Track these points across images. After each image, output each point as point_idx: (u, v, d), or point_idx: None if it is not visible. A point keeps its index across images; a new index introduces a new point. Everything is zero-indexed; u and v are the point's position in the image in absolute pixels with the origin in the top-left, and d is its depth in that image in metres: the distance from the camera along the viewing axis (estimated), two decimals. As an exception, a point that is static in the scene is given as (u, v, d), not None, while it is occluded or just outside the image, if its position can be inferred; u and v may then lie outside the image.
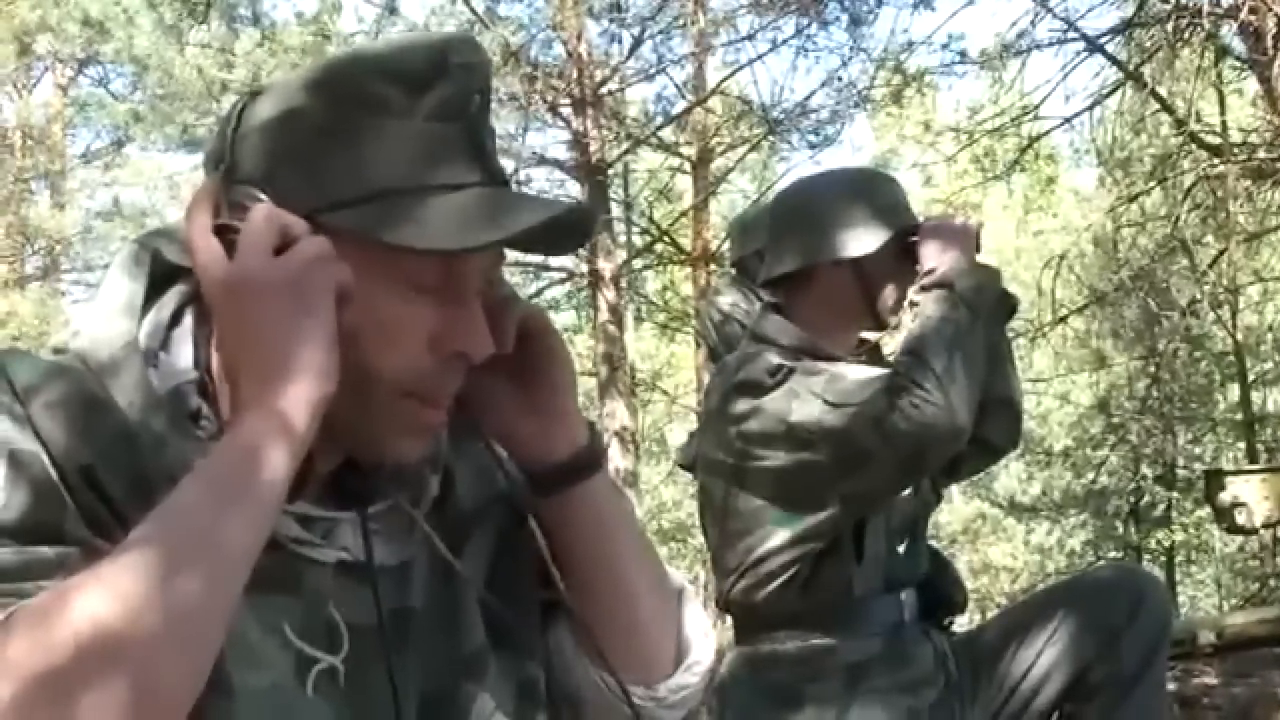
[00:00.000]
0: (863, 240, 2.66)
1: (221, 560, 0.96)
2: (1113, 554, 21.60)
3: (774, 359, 2.58)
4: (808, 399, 2.50)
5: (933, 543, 2.91)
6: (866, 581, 2.61)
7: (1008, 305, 2.77)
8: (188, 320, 1.16)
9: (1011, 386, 2.78)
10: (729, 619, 2.83)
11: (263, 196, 1.10)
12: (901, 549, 2.71)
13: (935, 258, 2.58)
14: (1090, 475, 20.37)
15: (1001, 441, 2.81)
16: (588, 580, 1.27)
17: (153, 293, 1.16)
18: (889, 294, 2.72)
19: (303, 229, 1.08)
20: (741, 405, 2.59)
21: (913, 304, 2.62)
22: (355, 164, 1.09)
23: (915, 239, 2.66)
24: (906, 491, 2.66)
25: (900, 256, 2.68)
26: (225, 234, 1.09)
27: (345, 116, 1.10)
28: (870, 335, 2.80)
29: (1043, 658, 2.62)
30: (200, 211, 1.12)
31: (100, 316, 1.13)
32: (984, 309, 2.55)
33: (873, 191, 2.74)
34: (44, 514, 1.00)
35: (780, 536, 2.58)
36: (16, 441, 1.01)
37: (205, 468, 1.00)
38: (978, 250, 2.64)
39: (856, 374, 2.55)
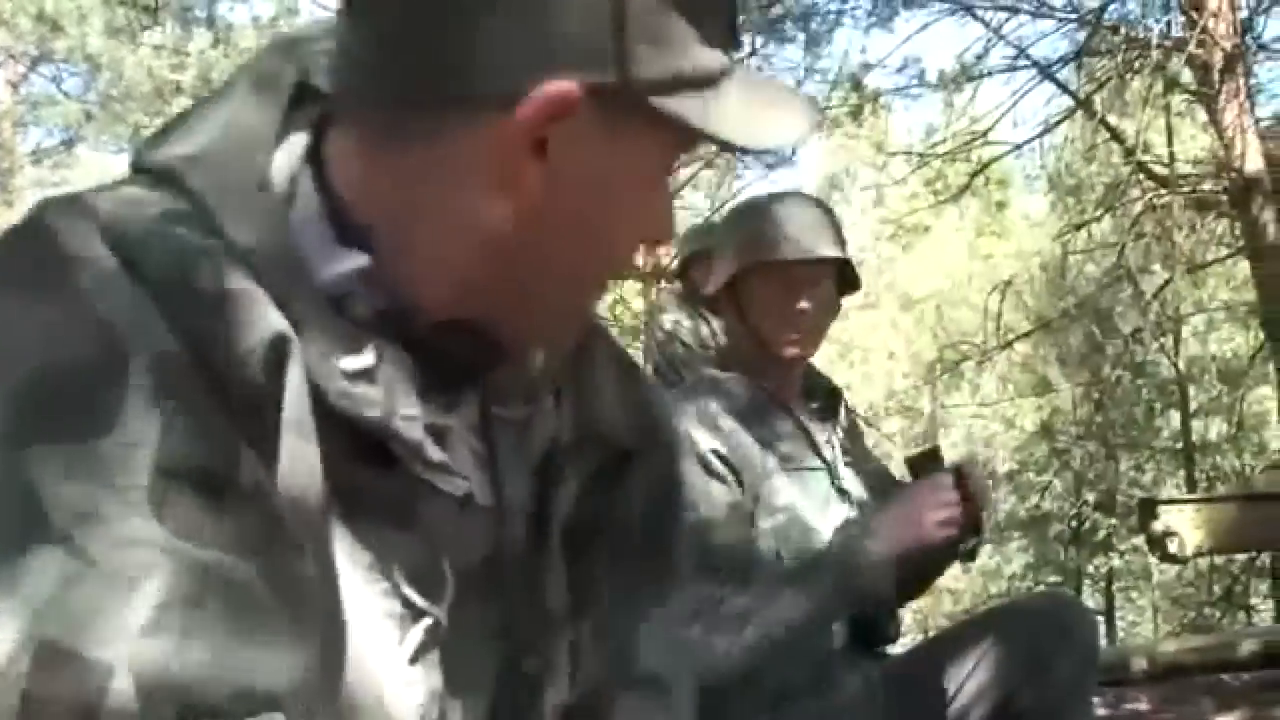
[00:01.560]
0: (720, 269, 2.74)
1: None
2: (1053, 578, 21.72)
3: (690, 416, 2.61)
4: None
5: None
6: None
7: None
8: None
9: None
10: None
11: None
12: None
13: (886, 531, 2.53)
14: (1033, 499, 20.50)
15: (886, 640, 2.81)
16: None
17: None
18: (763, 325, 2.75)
19: None
20: None
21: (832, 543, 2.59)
22: (679, 37, 0.92)
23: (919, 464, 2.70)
24: (831, 518, 2.67)
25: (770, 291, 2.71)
26: None
27: None
28: (790, 351, 2.79)
29: (969, 684, 2.61)
30: None
31: (228, 155, 0.92)
32: (864, 605, 2.55)
33: (801, 212, 2.78)
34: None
35: None
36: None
37: None
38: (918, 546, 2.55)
39: (720, 498, 2.55)
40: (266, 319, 0.85)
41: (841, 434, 2.83)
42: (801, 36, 13.50)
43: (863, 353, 28.21)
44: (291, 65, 0.98)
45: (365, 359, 0.91)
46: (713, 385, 2.73)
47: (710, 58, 0.94)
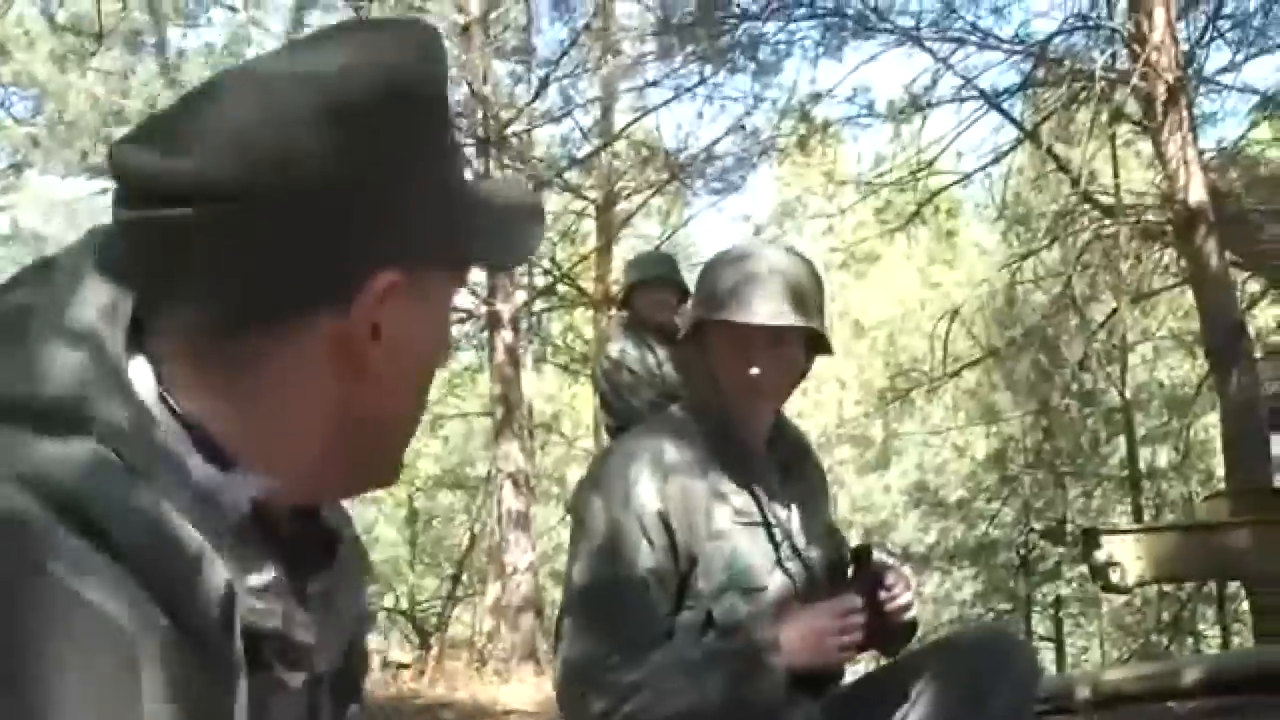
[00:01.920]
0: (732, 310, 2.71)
1: None
2: (1003, 605, 21.81)
3: (623, 474, 2.61)
4: (588, 535, 2.60)
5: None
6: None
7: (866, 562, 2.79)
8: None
9: None
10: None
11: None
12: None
13: (790, 646, 2.54)
14: (983, 527, 20.58)
15: None
16: None
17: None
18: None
19: None
20: (580, 490, 2.67)
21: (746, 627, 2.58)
22: (468, 205, 1.06)
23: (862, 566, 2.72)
24: (779, 575, 2.65)
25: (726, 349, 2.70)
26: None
27: (446, 147, 1.04)
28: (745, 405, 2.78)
29: (909, 718, 2.61)
30: None
31: (108, 391, 0.91)
32: (760, 694, 2.52)
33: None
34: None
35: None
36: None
37: None
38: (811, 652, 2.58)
39: (635, 563, 2.56)
40: (216, 571, 0.88)
41: (804, 491, 2.82)
42: (751, 66, 13.55)
43: (814, 380, 28.33)
44: (127, 295, 0.95)
45: (267, 575, 0.96)
46: (678, 427, 2.71)
47: (467, 185, 1.07)
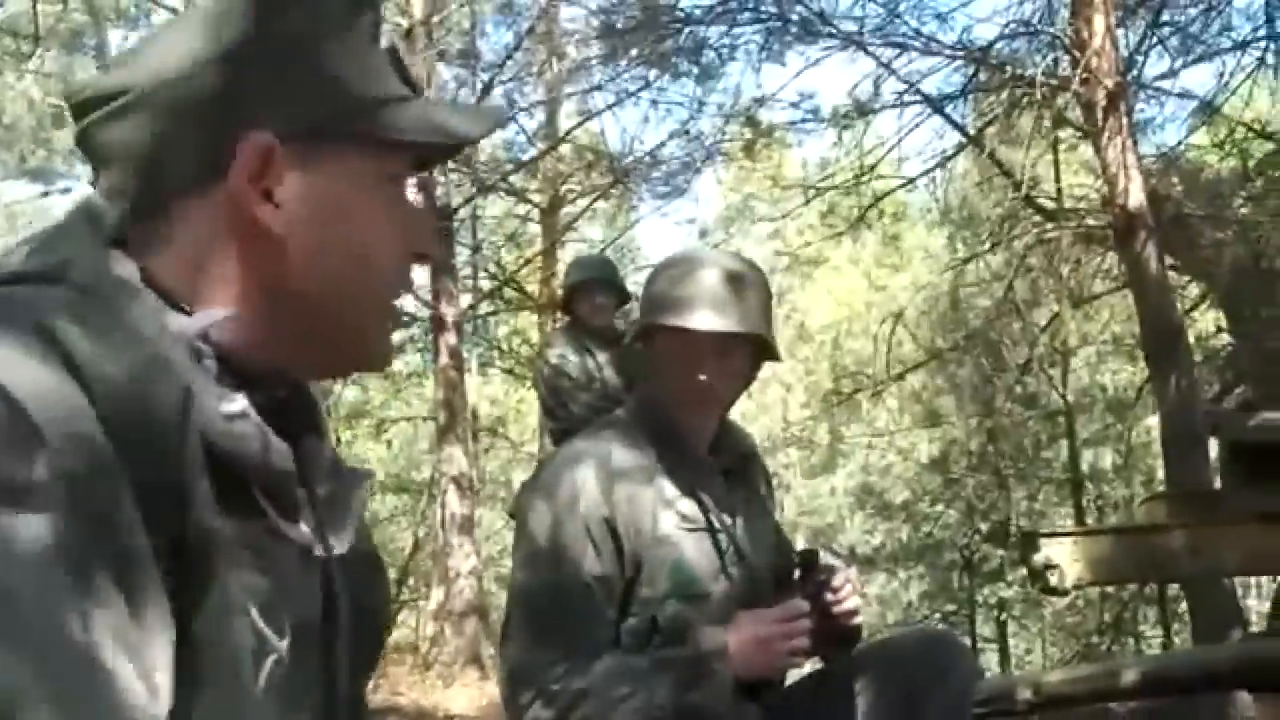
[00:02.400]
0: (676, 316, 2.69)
1: None
2: (948, 607, 21.94)
3: (569, 478, 2.59)
4: (531, 539, 2.60)
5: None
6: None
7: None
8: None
9: None
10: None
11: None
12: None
13: (741, 646, 2.54)
14: (928, 529, 20.69)
15: None
16: None
17: None
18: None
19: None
20: (525, 494, 2.65)
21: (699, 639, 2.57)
22: (353, 77, 1.13)
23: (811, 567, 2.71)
24: (723, 581, 2.64)
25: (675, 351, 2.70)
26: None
27: (333, 34, 1.13)
28: (690, 413, 2.78)
29: (849, 720, 2.62)
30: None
31: (95, 262, 1.04)
32: (710, 697, 2.52)
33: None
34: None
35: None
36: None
37: None
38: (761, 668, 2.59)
39: (580, 570, 2.56)
40: (171, 378, 0.95)
41: (750, 497, 2.82)
42: (695, 70, 13.56)
43: (760, 383, 28.35)
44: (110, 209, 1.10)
45: (239, 404, 1.03)
46: (623, 432, 2.70)
47: (395, 85, 1.16)
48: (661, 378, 2.72)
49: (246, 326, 1.08)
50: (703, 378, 2.63)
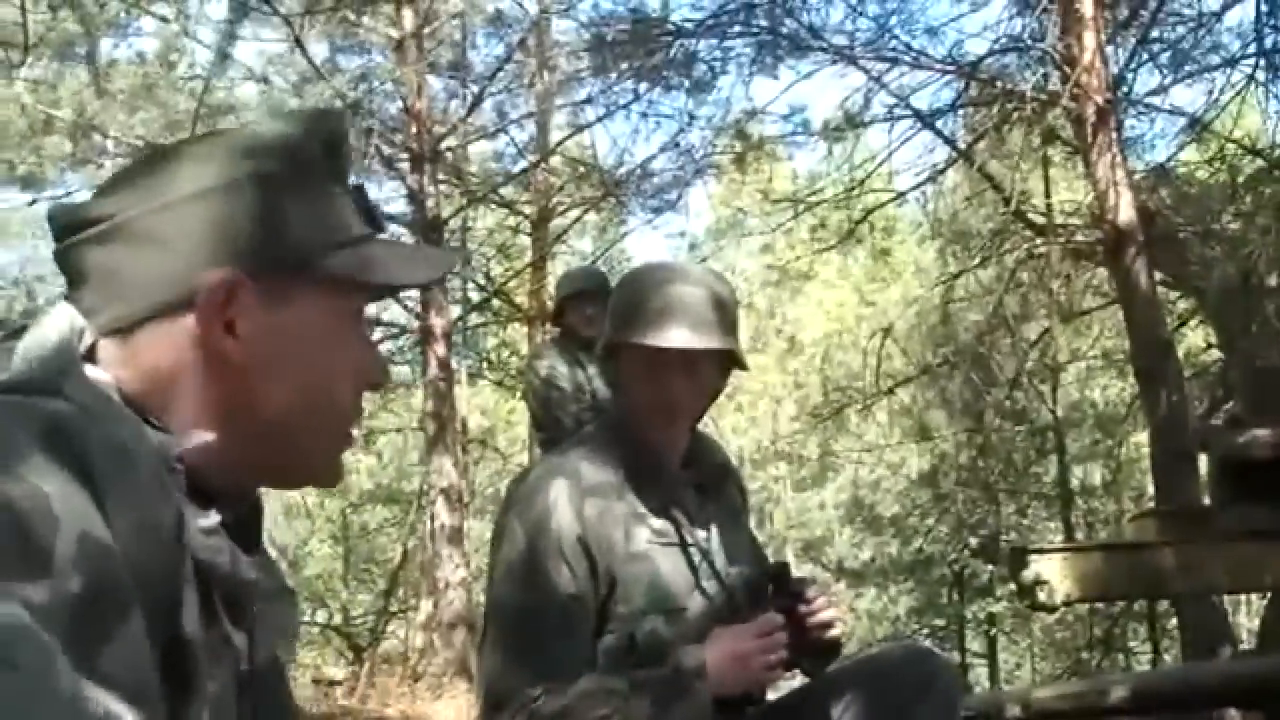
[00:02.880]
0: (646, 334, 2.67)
1: None
2: (937, 621, 21.95)
3: (541, 497, 2.57)
4: (507, 558, 2.58)
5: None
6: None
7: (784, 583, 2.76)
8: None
9: None
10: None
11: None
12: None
13: (718, 663, 2.53)
14: (917, 543, 20.69)
15: None
16: None
17: None
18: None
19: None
20: (503, 510, 2.65)
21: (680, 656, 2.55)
22: (318, 221, 1.21)
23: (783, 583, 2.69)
24: (698, 596, 2.63)
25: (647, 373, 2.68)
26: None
27: (307, 183, 1.21)
28: (657, 429, 2.77)
29: (833, 737, 2.60)
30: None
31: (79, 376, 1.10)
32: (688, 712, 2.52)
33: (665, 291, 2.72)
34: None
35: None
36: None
37: None
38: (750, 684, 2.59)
39: (554, 590, 2.54)
40: (172, 492, 1.03)
41: (724, 510, 2.80)
42: (685, 83, 13.55)
43: (750, 396, 28.39)
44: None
45: (214, 519, 1.09)
46: (595, 447, 2.68)
47: (356, 226, 1.24)
48: (629, 393, 2.71)
49: (210, 445, 1.14)
50: (669, 393, 2.63)
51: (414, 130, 13.32)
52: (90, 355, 1.13)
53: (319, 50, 14.07)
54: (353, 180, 1.29)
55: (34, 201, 16.44)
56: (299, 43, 13.18)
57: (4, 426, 0.94)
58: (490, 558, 2.69)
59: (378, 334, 15.24)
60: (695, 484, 2.74)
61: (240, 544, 1.14)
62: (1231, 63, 11.47)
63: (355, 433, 1.31)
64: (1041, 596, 5.65)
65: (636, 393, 2.68)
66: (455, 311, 14.96)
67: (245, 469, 1.19)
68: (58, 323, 1.13)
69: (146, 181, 1.17)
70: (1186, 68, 11.73)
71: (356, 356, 1.25)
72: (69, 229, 1.17)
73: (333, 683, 11.52)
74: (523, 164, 15.84)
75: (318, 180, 1.22)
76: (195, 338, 1.14)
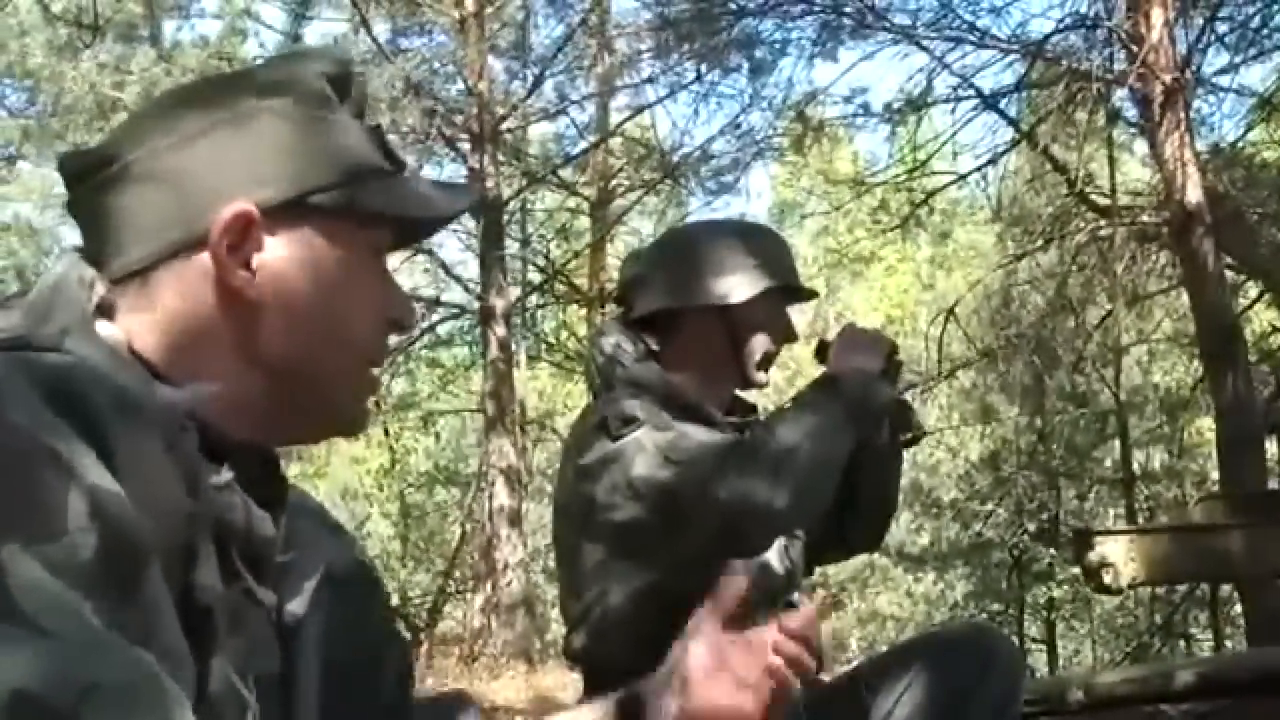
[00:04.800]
0: (733, 289, 2.62)
1: None
2: (995, 606, 21.79)
3: (629, 408, 2.52)
4: (650, 453, 2.45)
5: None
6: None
7: (906, 423, 2.75)
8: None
9: (885, 496, 2.79)
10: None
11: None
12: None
13: (838, 360, 2.55)
14: (977, 528, 20.56)
15: (859, 545, 2.83)
16: None
17: None
18: (756, 349, 2.67)
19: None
20: (590, 454, 2.52)
21: (795, 395, 2.58)
22: (332, 151, 1.18)
23: (828, 344, 2.66)
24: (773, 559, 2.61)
25: (774, 316, 2.65)
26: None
27: (312, 113, 1.18)
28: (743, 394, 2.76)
29: (892, 716, 2.58)
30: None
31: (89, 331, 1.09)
32: (864, 422, 2.51)
33: (752, 244, 2.70)
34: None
35: (619, 593, 2.52)
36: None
37: None
38: (889, 369, 2.61)
39: (703, 435, 2.50)
40: (185, 439, 1.02)
41: None
42: (745, 65, 13.51)
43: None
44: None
45: (225, 475, 1.08)
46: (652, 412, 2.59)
47: (376, 160, 1.21)
48: (699, 361, 2.66)
49: (223, 397, 1.11)
50: (773, 347, 2.63)
51: (475, 111, 13.35)
52: (105, 306, 1.12)
53: (381, 31, 14.14)
54: (369, 121, 1.26)
55: (99, 183, 16.66)
56: (365, 23, 13.25)
57: (6, 384, 0.93)
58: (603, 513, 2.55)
59: (438, 314, 15.34)
60: (738, 428, 2.70)
61: (258, 499, 1.13)
62: (1302, 42, 11.31)
63: (379, 375, 1.30)
64: (1107, 579, 5.61)
65: (711, 360, 2.65)
66: (515, 293, 14.99)
67: (264, 419, 1.17)
68: (63, 275, 1.12)
69: (155, 123, 1.16)
70: (1256, 46, 11.56)
71: (379, 294, 1.23)
72: (79, 175, 1.17)
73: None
74: (583, 145, 15.87)
75: (329, 113, 1.20)
76: (210, 276, 1.13)
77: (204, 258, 1.12)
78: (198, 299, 1.13)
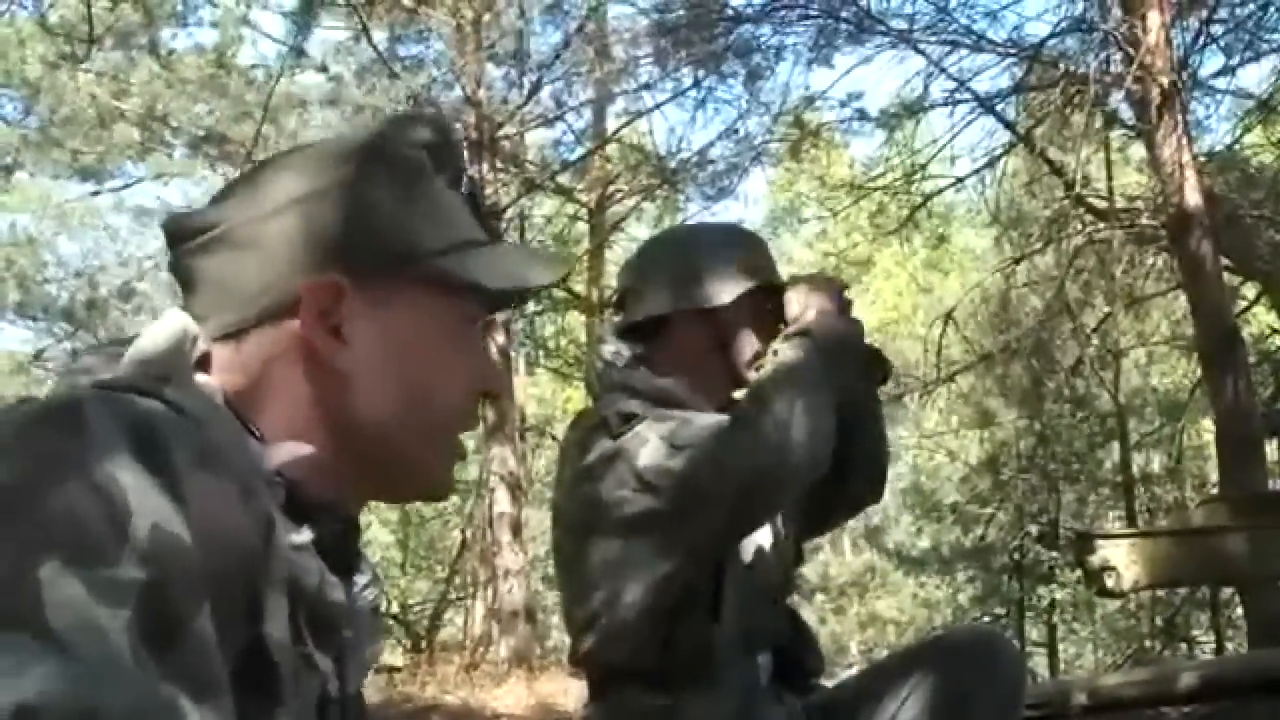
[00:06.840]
0: (716, 292, 2.63)
1: None
2: (998, 610, 21.81)
3: (627, 406, 2.53)
4: (655, 444, 2.45)
5: (802, 605, 2.88)
6: (726, 642, 2.55)
7: (877, 365, 2.76)
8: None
9: (875, 442, 2.78)
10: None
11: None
12: (763, 610, 2.66)
13: (799, 309, 2.57)
14: (978, 531, 20.58)
15: (861, 493, 2.81)
16: None
17: None
18: (745, 349, 2.68)
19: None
20: (592, 454, 2.53)
21: (774, 352, 2.58)
22: (428, 222, 1.20)
23: (783, 295, 2.65)
24: (767, 548, 2.61)
25: (760, 314, 2.65)
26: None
27: (409, 184, 1.21)
28: (739, 395, 2.76)
29: (896, 718, 2.58)
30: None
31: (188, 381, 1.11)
32: (842, 360, 2.53)
33: (735, 247, 2.72)
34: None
35: (633, 590, 2.52)
36: None
37: None
38: (845, 307, 2.62)
39: (704, 419, 2.51)
40: (261, 499, 1.00)
41: None
42: (742, 71, 13.52)
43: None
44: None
45: (305, 536, 1.08)
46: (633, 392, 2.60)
47: (470, 230, 1.24)
48: (690, 363, 2.67)
49: (311, 457, 1.13)
50: (754, 349, 2.64)
51: (473, 118, 13.35)
52: (204, 362, 1.14)
53: (379, 38, 14.14)
54: (465, 188, 1.29)
55: (97, 193, 16.63)
56: (366, 31, 13.26)
57: (92, 419, 0.93)
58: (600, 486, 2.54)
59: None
60: None
61: (334, 566, 1.13)
62: (1300, 44, 11.32)
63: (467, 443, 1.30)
64: (1109, 583, 5.61)
65: (701, 363, 2.66)
66: (514, 299, 14.98)
67: (349, 481, 1.18)
68: (170, 328, 1.12)
69: (248, 191, 1.19)
70: (1252, 49, 11.58)
71: (467, 362, 1.24)
72: (178, 238, 1.20)
73: (392, 670, 11.60)
74: (580, 151, 15.87)
75: (420, 181, 1.23)
76: (300, 343, 1.15)
77: (295, 324, 1.14)
78: (288, 363, 1.15)
